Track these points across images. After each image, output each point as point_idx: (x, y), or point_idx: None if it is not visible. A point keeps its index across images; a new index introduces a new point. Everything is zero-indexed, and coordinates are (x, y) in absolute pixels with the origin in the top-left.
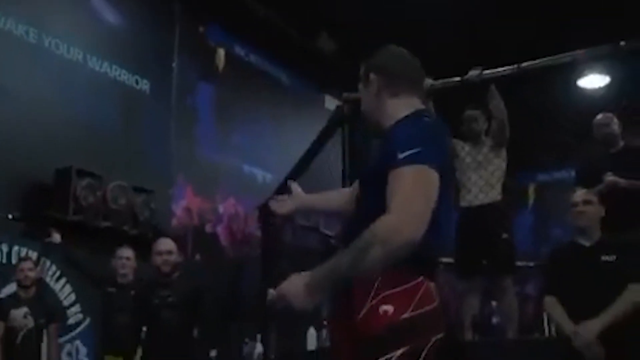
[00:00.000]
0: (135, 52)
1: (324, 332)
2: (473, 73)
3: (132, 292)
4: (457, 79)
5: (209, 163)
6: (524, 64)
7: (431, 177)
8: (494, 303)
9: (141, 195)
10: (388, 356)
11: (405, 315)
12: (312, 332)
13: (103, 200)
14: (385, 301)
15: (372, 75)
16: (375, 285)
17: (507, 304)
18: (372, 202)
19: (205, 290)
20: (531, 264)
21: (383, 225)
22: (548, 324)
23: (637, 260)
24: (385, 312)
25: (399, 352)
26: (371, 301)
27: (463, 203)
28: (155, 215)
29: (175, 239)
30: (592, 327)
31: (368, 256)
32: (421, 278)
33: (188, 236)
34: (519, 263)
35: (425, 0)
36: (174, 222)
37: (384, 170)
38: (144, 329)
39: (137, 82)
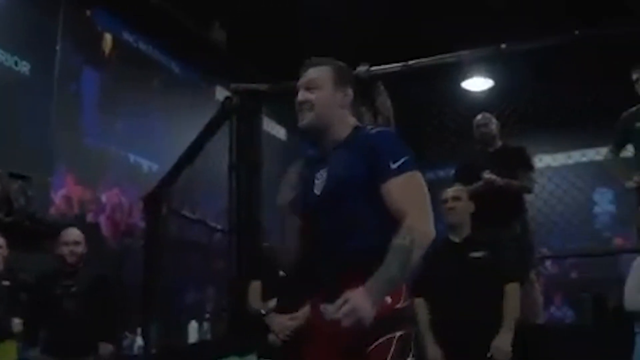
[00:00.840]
0: (16, 31)
1: (205, 324)
2: (361, 69)
3: (6, 283)
4: None
5: (92, 151)
6: (411, 62)
7: (422, 179)
8: None
9: (17, 182)
10: (389, 335)
11: (399, 306)
12: (193, 324)
13: None
14: None
15: (349, 89)
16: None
17: None
18: (355, 210)
19: (110, 279)
20: None
21: (416, 230)
22: None
23: (505, 256)
24: (386, 301)
25: (398, 333)
26: None
27: None
28: (32, 203)
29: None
30: (506, 339)
31: (412, 260)
32: None
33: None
34: None
35: None
36: (52, 210)
37: (372, 179)
38: (17, 320)
39: (16, 64)
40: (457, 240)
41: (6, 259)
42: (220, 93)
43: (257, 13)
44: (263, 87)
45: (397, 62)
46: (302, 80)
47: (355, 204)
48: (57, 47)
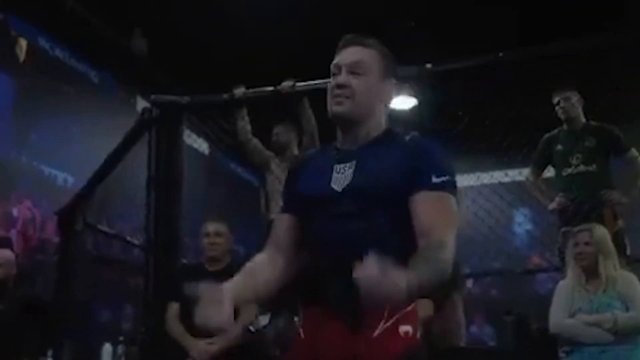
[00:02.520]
0: None
1: (120, 347)
2: (286, 84)
3: None
4: (270, 88)
5: (2, 162)
6: None
7: (456, 206)
8: None
9: None
10: None
11: (418, 334)
12: (107, 347)
13: None
14: (403, 321)
15: (389, 81)
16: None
17: None
18: (380, 218)
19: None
20: None
21: (448, 246)
22: None
23: None
24: (407, 333)
25: None
26: (385, 322)
27: None
28: None
29: None
30: None
31: (445, 274)
32: None
33: None
34: None
35: (243, 3)
36: None
37: (405, 189)
38: None
39: None
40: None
41: None
42: (141, 104)
43: (179, 21)
44: (185, 99)
45: (324, 78)
46: (346, 60)
47: (383, 211)
48: None
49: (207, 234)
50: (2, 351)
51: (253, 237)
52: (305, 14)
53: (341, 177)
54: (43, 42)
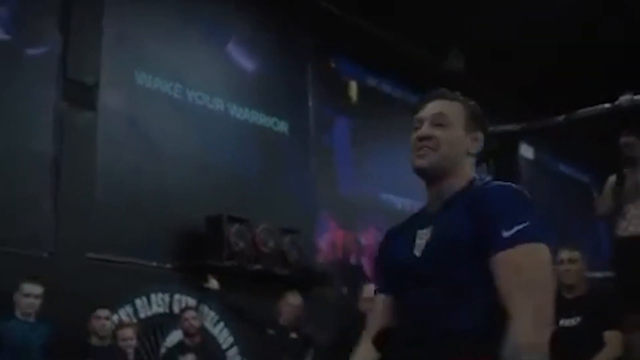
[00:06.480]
0: (271, 95)
1: None
2: (624, 98)
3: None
4: (607, 105)
5: (348, 196)
6: None
7: (547, 254)
8: None
9: (288, 236)
10: None
11: None
12: None
13: (253, 244)
14: None
15: (480, 134)
16: None
17: None
18: (461, 282)
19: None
20: None
21: (522, 343)
22: None
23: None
24: None
25: None
26: None
27: (620, 232)
28: (303, 255)
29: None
30: None
31: None
32: None
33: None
34: None
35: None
36: (319, 257)
37: (474, 244)
38: None
39: (275, 124)
40: (569, 297)
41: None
42: None
43: (495, 36)
44: (519, 127)
45: None
46: (428, 113)
47: (463, 274)
48: (309, 102)
49: (561, 261)
50: None
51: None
52: None
53: (421, 242)
54: (371, 80)
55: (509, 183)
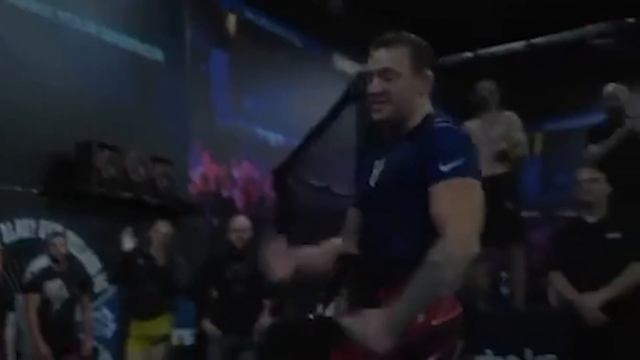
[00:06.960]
0: (147, 21)
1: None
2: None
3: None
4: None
5: (223, 129)
6: None
7: (477, 187)
8: (503, 274)
9: (160, 165)
10: None
11: (435, 322)
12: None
13: (123, 172)
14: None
15: (428, 72)
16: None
17: (516, 275)
18: (402, 210)
19: None
20: (537, 213)
21: (454, 244)
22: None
23: None
24: (417, 320)
25: (432, 358)
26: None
27: None
28: (173, 185)
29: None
30: (596, 297)
31: (446, 279)
32: None
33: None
34: (525, 213)
35: None
36: (191, 189)
37: (420, 179)
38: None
39: (149, 52)
40: (591, 220)
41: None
42: (339, 62)
43: None
44: None
45: None
46: (375, 66)
47: (404, 203)
48: (186, 32)
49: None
50: (242, 314)
51: None
52: None
53: (376, 173)
54: (249, 14)
55: (452, 125)
